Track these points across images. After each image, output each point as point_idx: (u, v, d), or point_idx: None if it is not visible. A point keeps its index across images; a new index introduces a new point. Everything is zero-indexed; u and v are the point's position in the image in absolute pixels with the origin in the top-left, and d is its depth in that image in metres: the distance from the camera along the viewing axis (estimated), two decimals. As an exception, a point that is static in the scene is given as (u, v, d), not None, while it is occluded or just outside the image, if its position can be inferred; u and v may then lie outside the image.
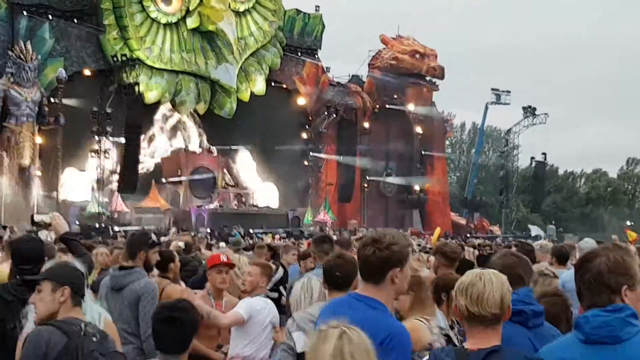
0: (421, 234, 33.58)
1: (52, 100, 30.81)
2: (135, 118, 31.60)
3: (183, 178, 35.55)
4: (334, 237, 8.04)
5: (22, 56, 29.80)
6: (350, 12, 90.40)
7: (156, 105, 34.76)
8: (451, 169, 67.27)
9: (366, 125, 42.24)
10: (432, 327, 2.99)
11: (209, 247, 12.67)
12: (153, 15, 33.93)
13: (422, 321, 2.93)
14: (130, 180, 31.69)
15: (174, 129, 37.78)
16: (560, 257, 6.55)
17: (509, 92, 50.03)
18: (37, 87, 30.20)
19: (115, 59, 32.38)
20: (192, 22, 34.99)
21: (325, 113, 40.66)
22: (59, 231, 4.53)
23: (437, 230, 16.02)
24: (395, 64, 44.23)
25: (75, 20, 33.20)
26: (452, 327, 3.79)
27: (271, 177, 38.50)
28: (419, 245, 14.91)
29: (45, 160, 30.45)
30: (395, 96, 43.94)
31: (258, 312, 4.58)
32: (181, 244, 8.89)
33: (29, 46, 30.10)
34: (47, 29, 31.71)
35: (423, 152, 45.52)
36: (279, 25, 39.36)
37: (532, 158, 48.49)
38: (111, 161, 32.67)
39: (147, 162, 35.64)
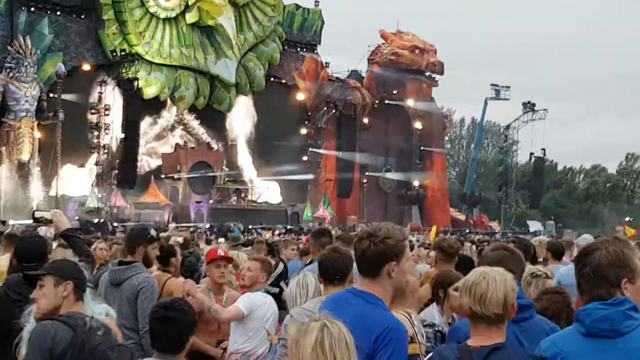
0: (420, 229, 33.63)
1: (51, 95, 30.79)
2: (134, 113, 31.57)
3: (182, 174, 35.56)
4: (339, 232, 8.07)
5: (21, 51, 29.77)
6: (350, 7, 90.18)
7: (155, 100, 34.72)
8: (450, 165, 67.24)
9: (365, 120, 42.22)
10: (413, 320, 3.00)
11: (208, 242, 12.68)
12: (152, 10, 33.87)
13: (403, 315, 2.94)
14: (129, 175, 31.69)
15: (173, 124, 37.74)
16: (556, 252, 6.55)
17: (508, 87, 50.07)
18: (36, 82, 30.17)
19: (114, 54, 32.35)
20: (191, 17, 34.93)
21: (325, 108, 40.64)
22: (60, 228, 4.53)
23: (434, 229, 16.08)
24: (394, 59, 44.18)
25: (74, 16, 33.15)
26: (450, 325, 3.79)
27: (270, 172, 38.49)
28: (417, 241, 14.94)
29: (44, 155, 30.43)
30: (394, 91, 43.92)
31: (258, 308, 4.58)
32: (180, 240, 8.91)
33: (28, 41, 30.07)
34: (46, 24, 31.66)
35: (422, 148, 45.50)
36: (279, 20, 39.30)
37: (532, 154, 48.51)
38: (110, 156, 32.65)
39: (146, 158, 35.62)
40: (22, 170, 29.96)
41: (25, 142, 29.79)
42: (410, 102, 44.23)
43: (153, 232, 4.92)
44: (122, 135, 31.89)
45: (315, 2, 42.96)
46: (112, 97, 32.91)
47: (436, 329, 3.79)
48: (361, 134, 41.84)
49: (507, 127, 51.25)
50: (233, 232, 19.07)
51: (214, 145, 38.32)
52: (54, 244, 6.33)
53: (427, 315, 4.14)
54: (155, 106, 35.25)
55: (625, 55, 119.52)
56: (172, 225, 26.57)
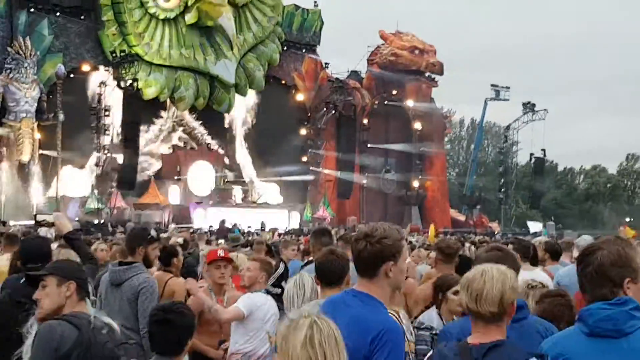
0: (421, 230, 33.61)
1: (51, 96, 30.80)
2: (134, 114, 31.57)
3: (182, 175, 35.56)
4: (341, 232, 8.08)
5: (21, 52, 29.79)
6: (349, 7, 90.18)
7: (155, 101, 34.72)
8: (450, 165, 67.25)
9: (365, 121, 42.22)
10: (401, 318, 3.01)
11: (208, 243, 12.72)
12: (152, 10, 33.85)
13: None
14: (129, 176, 31.69)
15: (173, 125, 37.74)
16: (554, 253, 6.55)
17: (508, 88, 50.08)
18: (36, 83, 30.18)
19: (114, 54, 32.34)
20: (190, 18, 34.92)
21: (324, 109, 40.65)
22: (62, 231, 4.55)
23: (432, 228, 16.09)
24: (394, 59, 44.17)
25: (74, 17, 33.15)
26: None
27: (270, 173, 38.49)
28: (417, 241, 14.94)
29: (44, 156, 30.44)
30: (394, 92, 43.92)
31: (258, 308, 4.58)
32: (180, 240, 8.93)
33: (28, 42, 30.09)
34: (46, 25, 31.67)
35: (422, 149, 45.49)
36: (278, 21, 39.30)
37: (532, 154, 48.50)
38: (110, 157, 32.66)
39: (146, 158, 35.61)
40: (22, 171, 29.96)
41: (26, 143, 29.80)
42: (410, 103, 44.23)
43: (153, 233, 4.94)
44: (122, 136, 31.88)
45: (315, 2, 42.98)
46: (111, 98, 32.92)
47: (434, 332, 3.79)
48: (361, 134, 41.84)
49: (507, 127, 51.24)
50: (233, 233, 19.09)
51: (214, 146, 38.32)
52: (54, 245, 6.34)
53: (425, 318, 4.14)
54: (155, 107, 35.25)
55: (625, 55, 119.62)
56: (172, 226, 26.58)
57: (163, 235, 13.21)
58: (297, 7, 41.65)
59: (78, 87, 31.52)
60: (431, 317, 4.15)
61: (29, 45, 30.03)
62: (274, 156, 37.53)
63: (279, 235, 22.44)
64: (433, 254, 7.56)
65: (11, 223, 21.69)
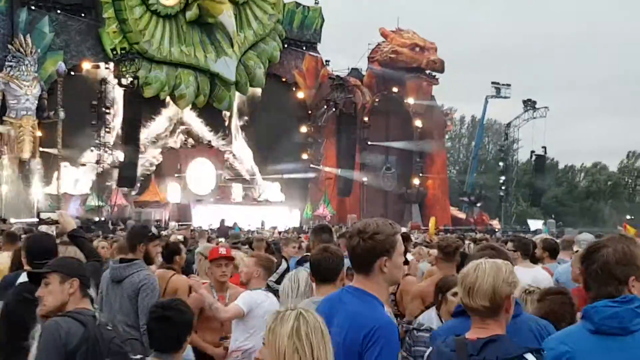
0: (421, 228, 33.63)
1: (51, 94, 30.80)
2: (134, 111, 31.57)
3: (183, 172, 35.56)
4: (343, 230, 8.09)
5: (21, 50, 29.79)
6: (350, 5, 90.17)
7: (155, 98, 34.72)
8: (451, 163, 67.23)
9: (365, 119, 42.20)
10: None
11: (209, 241, 12.73)
12: (152, 8, 33.84)
13: None
14: (130, 174, 31.70)
15: (174, 123, 37.73)
16: (552, 251, 6.56)
17: (509, 85, 50.04)
18: (37, 80, 30.18)
19: (114, 52, 32.33)
20: (191, 15, 34.90)
21: (325, 107, 40.64)
22: (66, 228, 4.56)
23: (432, 220, 16.02)
24: (394, 57, 44.14)
25: (74, 14, 33.14)
26: None
27: (270, 171, 38.50)
28: (416, 238, 14.95)
29: (45, 154, 30.46)
30: (394, 90, 43.90)
31: (259, 305, 4.60)
32: (180, 238, 8.96)
33: (28, 40, 30.09)
34: (46, 22, 31.65)
35: (422, 146, 45.48)
36: (279, 18, 39.27)
37: (532, 152, 48.46)
38: (111, 155, 32.68)
39: (146, 156, 35.62)
40: (23, 168, 29.98)
41: (26, 140, 29.82)
42: (410, 100, 44.21)
43: (154, 230, 4.96)
44: (123, 134, 31.89)
45: (315, 0, 42.94)
46: (112, 95, 32.92)
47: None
48: (361, 132, 41.84)
49: (508, 125, 51.20)
50: (234, 231, 19.10)
51: (214, 144, 38.31)
52: (55, 242, 6.35)
53: (425, 319, 4.14)
54: (155, 104, 35.24)
55: (625, 55, 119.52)
56: (172, 224, 26.61)
57: (163, 233, 13.25)
58: (297, 4, 41.62)
59: (79, 84, 31.51)
60: (431, 317, 4.15)
61: (29, 43, 30.03)
62: (275, 154, 37.55)
63: (279, 233, 22.48)
64: (433, 251, 7.58)
65: (12, 221, 21.72)
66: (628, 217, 49.15)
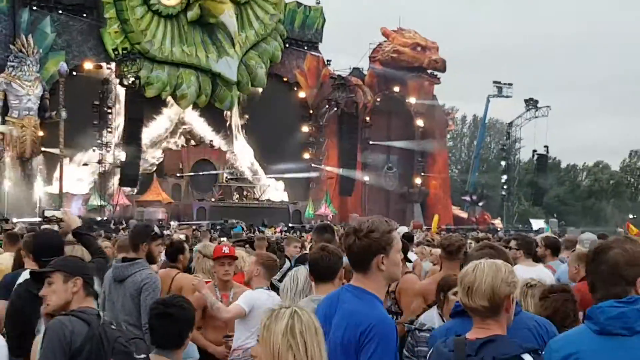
0: (423, 227, 33.59)
1: (53, 94, 30.85)
2: (136, 111, 31.61)
3: (185, 172, 35.60)
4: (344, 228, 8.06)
5: (23, 50, 29.85)
6: (351, 4, 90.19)
7: (157, 98, 34.75)
8: (452, 162, 67.21)
9: (367, 118, 42.20)
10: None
11: (212, 240, 12.73)
12: (154, 8, 33.87)
13: None
14: (132, 173, 31.75)
15: (176, 123, 37.77)
16: (554, 248, 6.55)
17: (510, 84, 50.02)
18: (39, 80, 30.25)
19: (116, 52, 32.37)
20: (192, 15, 34.92)
21: (326, 106, 40.64)
22: (71, 226, 4.56)
23: (436, 218, 16.02)
24: (396, 56, 44.13)
25: (76, 14, 33.18)
26: None
27: (272, 170, 38.52)
28: (418, 237, 14.92)
29: (47, 154, 30.51)
30: (396, 89, 43.88)
31: (260, 305, 4.60)
32: (182, 237, 8.98)
33: (30, 40, 30.15)
34: (48, 23, 31.70)
35: (424, 146, 45.46)
36: (280, 18, 39.28)
37: (534, 151, 48.43)
38: (113, 155, 32.72)
39: (148, 156, 35.66)
40: (25, 168, 30.04)
41: (28, 140, 29.87)
42: (412, 100, 44.19)
43: (157, 230, 4.96)
44: (125, 134, 31.92)
45: (317, 0, 42.96)
46: (114, 95, 32.95)
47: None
48: (363, 131, 41.83)
49: (510, 124, 51.19)
50: (236, 230, 19.09)
51: (216, 143, 38.34)
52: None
53: (426, 319, 4.13)
54: (157, 104, 35.29)
55: (625, 55, 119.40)
56: (174, 223, 26.62)
57: (165, 232, 13.26)
58: (299, 4, 41.64)
59: (80, 84, 31.55)
60: (432, 317, 4.13)
61: (31, 43, 30.09)
62: (276, 153, 37.56)
63: (281, 232, 22.47)
64: (435, 250, 7.57)
65: (14, 220, 21.75)
66: (631, 216, 49.12)
